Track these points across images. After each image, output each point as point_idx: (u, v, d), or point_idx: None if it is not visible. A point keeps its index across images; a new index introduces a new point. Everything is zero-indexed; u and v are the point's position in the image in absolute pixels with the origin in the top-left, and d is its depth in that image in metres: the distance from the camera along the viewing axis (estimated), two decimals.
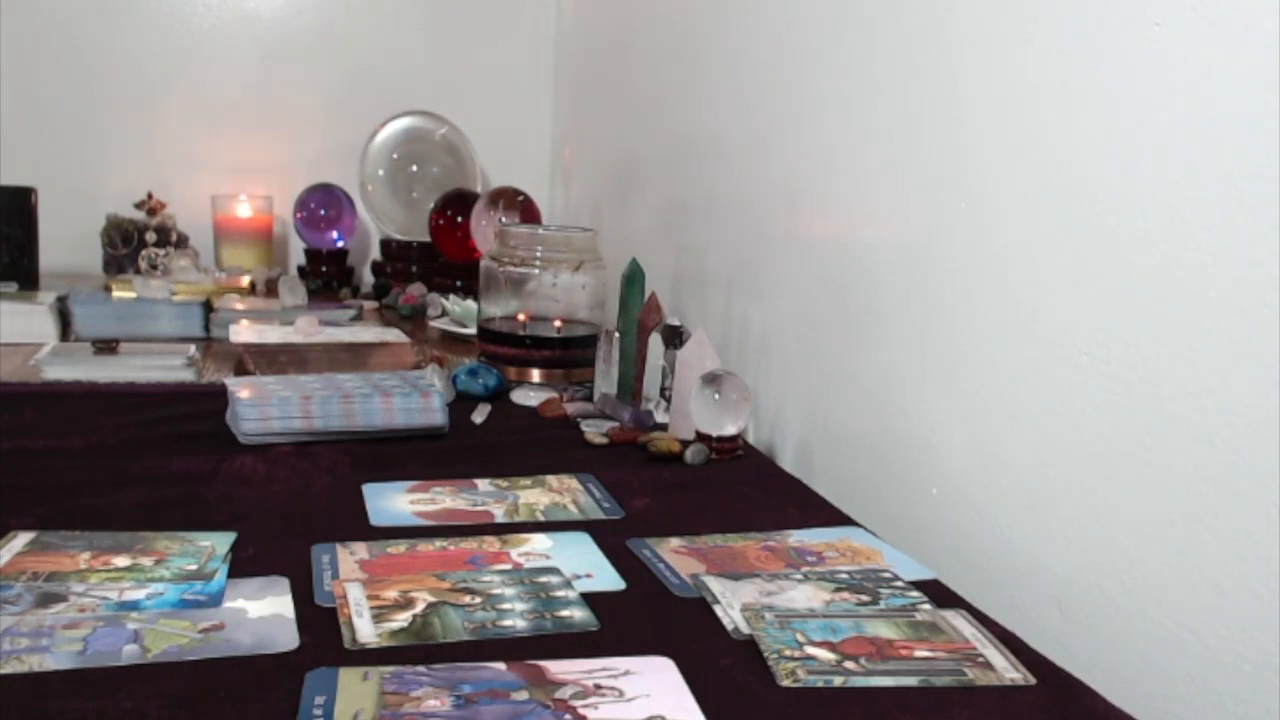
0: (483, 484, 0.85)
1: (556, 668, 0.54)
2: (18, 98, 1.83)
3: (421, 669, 0.53)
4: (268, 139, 1.96)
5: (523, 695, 0.51)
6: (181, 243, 1.83)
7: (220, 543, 0.70)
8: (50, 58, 1.86)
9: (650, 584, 0.67)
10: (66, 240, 1.76)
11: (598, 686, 0.52)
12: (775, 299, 1.09)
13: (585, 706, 0.50)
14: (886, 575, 0.70)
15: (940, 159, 0.82)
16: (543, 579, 0.66)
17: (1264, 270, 0.54)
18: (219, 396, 0.97)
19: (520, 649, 0.57)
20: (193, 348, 1.24)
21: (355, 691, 0.51)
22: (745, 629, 0.60)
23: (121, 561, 0.66)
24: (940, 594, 0.68)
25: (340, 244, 1.88)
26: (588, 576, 0.68)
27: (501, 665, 0.54)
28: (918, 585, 0.68)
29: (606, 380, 1.12)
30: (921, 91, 0.84)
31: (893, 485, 0.87)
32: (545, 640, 0.58)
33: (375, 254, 1.94)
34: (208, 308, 1.43)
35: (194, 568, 0.66)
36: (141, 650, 0.55)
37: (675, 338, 1.11)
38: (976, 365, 0.77)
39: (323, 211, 1.86)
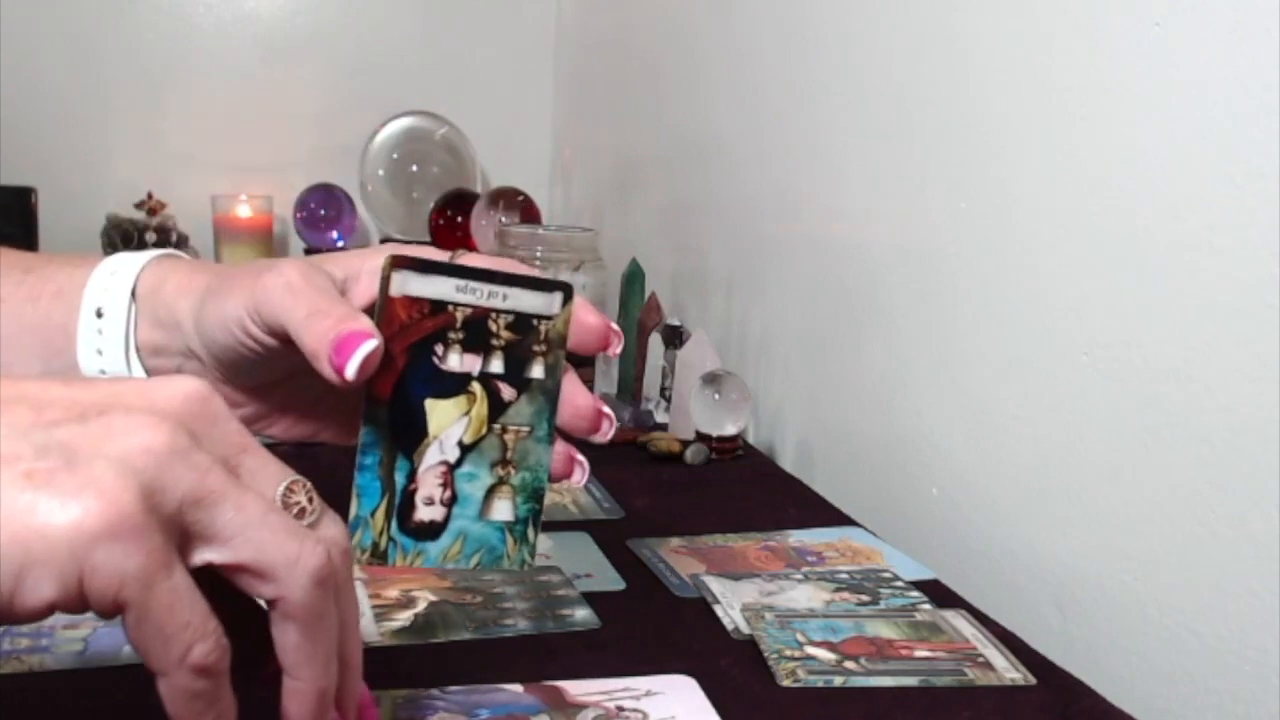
0: None
1: (575, 689, 0.53)
2: (18, 98, 1.83)
3: (435, 692, 0.52)
4: (268, 139, 1.96)
5: (543, 719, 0.50)
6: (181, 243, 1.82)
7: None
8: (50, 58, 1.86)
9: (650, 584, 0.67)
10: (66, 240, 1.75)
11: (620, 709, 0.51)
12: (775, 299, 1.09)
13: None
14: (886, 575, 0.70)
15: (940, 159, 0.82)
16: (543, 578, 0.66)
17: (1264, 270, 0.55)
18: None
19: (522, 647, 0.57)
20: None
21: None
22: (745, 629, 0.60)
23: None
24: (940, 594, 0.68)
25: (340, 244, 1.88)
26: (588, 576, 0.68)
27: (518, 687, 0.52)
28: (918, 585, 0.68)
29: (606, 380, 1.12)
30: (922, 93, 0.84)
31: (893, 485, 0.87)
32: (547, 639, 0.58)
33: None
34: None
35: None
36: None
37: (675, 338, 1.11)
38: (976, 365, 0.77)
39: (323, 211, 1.86)
